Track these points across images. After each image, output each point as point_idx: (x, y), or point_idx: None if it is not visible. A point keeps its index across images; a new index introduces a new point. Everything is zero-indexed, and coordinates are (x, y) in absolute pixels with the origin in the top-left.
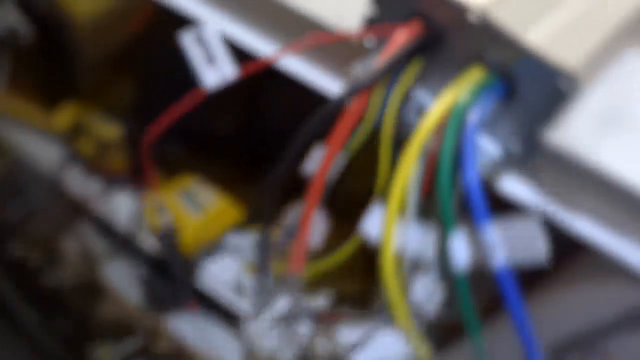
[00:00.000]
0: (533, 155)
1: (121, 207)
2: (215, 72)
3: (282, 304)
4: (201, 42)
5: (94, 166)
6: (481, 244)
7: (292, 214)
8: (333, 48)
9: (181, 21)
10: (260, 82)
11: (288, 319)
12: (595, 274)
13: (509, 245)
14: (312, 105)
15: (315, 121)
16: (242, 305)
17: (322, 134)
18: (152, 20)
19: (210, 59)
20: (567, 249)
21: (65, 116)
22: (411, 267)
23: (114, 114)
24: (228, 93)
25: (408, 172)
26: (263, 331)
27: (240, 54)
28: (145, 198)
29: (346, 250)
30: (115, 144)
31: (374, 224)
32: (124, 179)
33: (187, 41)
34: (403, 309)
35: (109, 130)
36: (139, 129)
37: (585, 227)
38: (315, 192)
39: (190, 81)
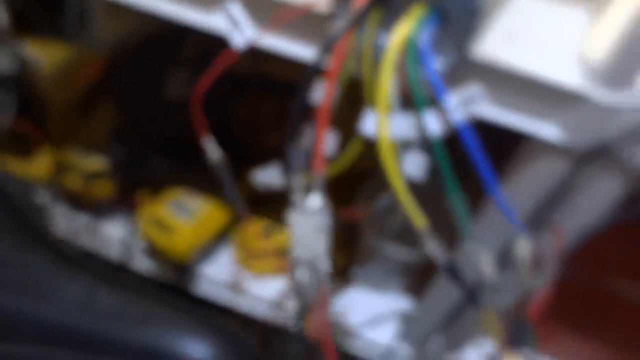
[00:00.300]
0: (465, 64)
1: (112, 233)
2: (241, 35)
3: (313, 200)
4: (229, 16)
5: (81, 198)
6: (445, 112)
7: (307, 135)
8: (310, 23)
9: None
10: (227, 91)
11: (319, 213)
12: (529, 156)
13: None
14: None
15: (315, 63)
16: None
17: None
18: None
19: (236, 26)
20: (503, 142)
21: (43, 160)
22: (402, 147)
23: (92, 147)
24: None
25: (387, 80)
26: (304, 216)
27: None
28: (140, 212)
29: (352, 150)
30: (101, 173)
31: (370, 123)
32: (113, 206)
33: (220, 19)
34: (400, 183)
35: (92, 162)
36: (122, 154)
37: (510, 117)
38: (324, 113)
39: (157, 102)
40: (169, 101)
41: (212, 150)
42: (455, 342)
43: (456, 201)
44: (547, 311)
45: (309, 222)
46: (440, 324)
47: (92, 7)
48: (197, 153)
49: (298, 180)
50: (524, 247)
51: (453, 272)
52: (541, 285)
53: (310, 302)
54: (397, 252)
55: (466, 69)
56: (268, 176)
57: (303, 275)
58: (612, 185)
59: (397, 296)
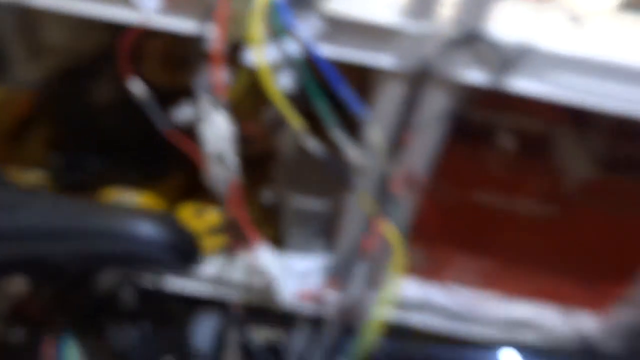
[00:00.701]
0: (315, 15)
1: None
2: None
3: (218, 114)
4: None
5: None
6: (300, 40)
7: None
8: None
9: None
10: None
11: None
12: (378, 83)
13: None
14: None
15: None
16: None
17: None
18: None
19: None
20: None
21: None
22: (277, 69)
23: (32, 164)
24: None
25: (258, 28)
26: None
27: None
28: None
29: (241, 78)
30: (41, 183)
31: (250, 56)
32: None
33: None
34: (277, 94)
35: (32, 175)
36: (60, 163)
37: (353, 54)
38: (218, 54)
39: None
40: (98, 111)
41: (138, 88)
42: (376, 275)
43: (319, 103)
44: (433, 235)
45: (216, 130)
46: (355, 259)
47: (13, 51)
48: (129, 152)
49: (205, 101)
50: (375, 135)
51: (331, 161)
52: (396, 170)
53: (224, 191)
54: (307, 203)
55: (318, 21)
56: (183, 113)
57: (215, 167)
58: (442, 98)
59: (322, 254)
